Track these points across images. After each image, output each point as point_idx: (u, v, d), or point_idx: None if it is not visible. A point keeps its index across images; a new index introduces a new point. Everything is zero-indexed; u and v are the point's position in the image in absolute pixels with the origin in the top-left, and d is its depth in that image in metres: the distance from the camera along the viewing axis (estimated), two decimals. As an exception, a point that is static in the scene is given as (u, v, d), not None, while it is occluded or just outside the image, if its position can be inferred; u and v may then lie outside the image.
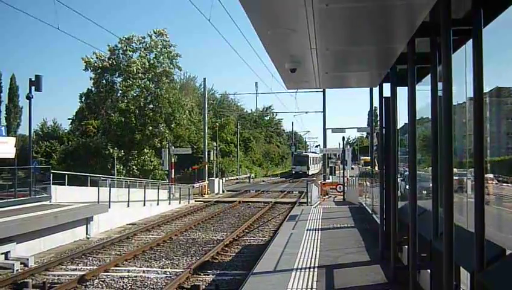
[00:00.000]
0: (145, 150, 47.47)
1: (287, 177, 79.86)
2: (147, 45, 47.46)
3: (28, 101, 26.66)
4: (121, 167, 44.98)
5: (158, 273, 14.75)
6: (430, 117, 7.38)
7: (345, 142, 39.12)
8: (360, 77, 12.09)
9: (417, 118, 8.22)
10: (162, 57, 47.61)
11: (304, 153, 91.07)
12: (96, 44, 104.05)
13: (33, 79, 25.97)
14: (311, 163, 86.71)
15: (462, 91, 6.18)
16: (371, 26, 7.18)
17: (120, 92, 47.02)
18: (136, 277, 14.28)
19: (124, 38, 46.50)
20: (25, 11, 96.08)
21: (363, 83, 13.75)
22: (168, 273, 14.77)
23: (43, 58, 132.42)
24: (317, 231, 17.17)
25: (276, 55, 8.94)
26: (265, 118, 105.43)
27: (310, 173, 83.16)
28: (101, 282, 13.78)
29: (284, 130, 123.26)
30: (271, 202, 36.13)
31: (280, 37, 7.39)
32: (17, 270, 15.37)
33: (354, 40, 8.01)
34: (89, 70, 46.97)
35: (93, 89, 48.50)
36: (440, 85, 6.69)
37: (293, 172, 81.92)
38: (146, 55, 47.55)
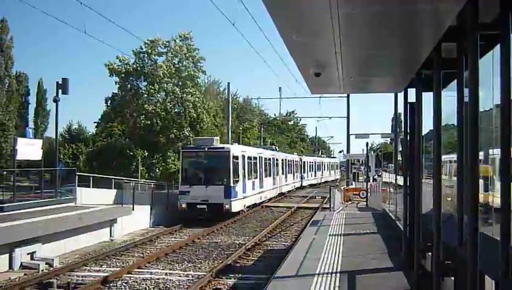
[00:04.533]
0: (168, 153, 47.74)
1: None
2: (172, 49, 47.73)
3: (55, 104, 27.05)
4: (145, 170, 45.30)
5: (180, 276, 14.85)
6: (455, 123, 7.30)
7: (368, 148, 38.90)
8: (384, 82, 12.02)
9: (442, 124, 8.13)
10: (186, 61, 47.87)
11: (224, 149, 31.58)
12: (121, 46, 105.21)
13: (60, 82, 26.35)
14: (311, 169, 67.97)
15: (489, 97, 6.09)
16: (397, 30, 7.14)
17: (145, 95, 47.34)
18: (158, 279, 14.40)
19: (148, 41, 46.85)
20: (52, 14, 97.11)
21: (387, 88, 13.67)
22: (190, 276, 14.87)
23: (69, 61, 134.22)
24: (339, 237, 17.07)
25: (301, 60, 8.93)
26: (289, 123, 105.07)
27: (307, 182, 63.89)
28: (124, 284, 13.92)
29: (307, 136, 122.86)
30: (293, 207, 36.05)
31: (305, 41, 7.39)
32: (43, 270, 15.63)
33: (379, 44, 7.96)
34: (114, 75, 47.38)
35: (118, 92, 48.91)
36: (466, 91, 6.61)
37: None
38: (171, 59, 47.82)
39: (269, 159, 40.96)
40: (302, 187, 59.69)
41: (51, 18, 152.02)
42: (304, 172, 62.15)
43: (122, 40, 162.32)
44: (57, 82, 26.42)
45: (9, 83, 58.66)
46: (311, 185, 64.86)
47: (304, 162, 62.81)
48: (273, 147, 52.41)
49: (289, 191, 51.19)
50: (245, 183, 30.97)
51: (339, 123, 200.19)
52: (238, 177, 29.48)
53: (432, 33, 7.13)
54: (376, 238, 16.93)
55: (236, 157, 29.50)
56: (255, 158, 35.36)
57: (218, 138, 32.21)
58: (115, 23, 73.55)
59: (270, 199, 40.48)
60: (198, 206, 27.62)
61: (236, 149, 31.07)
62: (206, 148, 29.26)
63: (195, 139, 34.89)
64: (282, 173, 47.16)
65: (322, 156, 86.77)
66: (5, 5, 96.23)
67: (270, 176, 40.65)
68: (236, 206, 29.06)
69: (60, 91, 26.38)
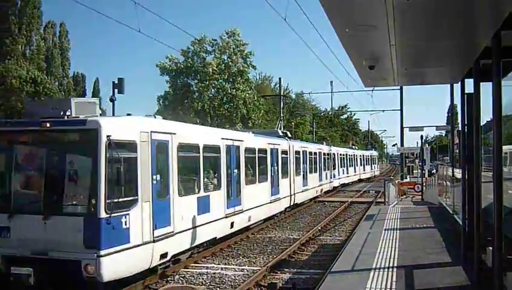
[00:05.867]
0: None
1: None
2: (220, 47, 48.13)
3: (111, 103, 27.77)
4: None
5: (236, 271, 14.96)
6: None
7: (423, 141, 38.10)
8: (440, 73, 11.78)
9: (502, 114, 7.90)
10: (235, 57, 48.15)
11: None
12: (171, 42, 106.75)
13: (116, 82, 27.03)
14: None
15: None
16: (454, 19, 6.97)
17: (196, 93, 47.93)
18: (214, 273, 14.57)
19: (196, 40, 47.40)
20: (108, 15, 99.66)
21: (443, 79, 13.39)
22: (245, 270, 14.95)
23: (123, 60, 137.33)
24: (395, 231, 16.85)
25: (355, 53, 8.87)
26: (342, 117, 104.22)
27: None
28: (181, 278, 14.17)
29: (360, 130, 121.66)
30: (347, 201, 35.74)
31: (359, 34, 7.32)
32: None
33: (435, 34, 7.81)
34: (165, 74, 48.39)
35: (170, 91, 49.78)
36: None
37: None
38: (220, 56, 48.24)
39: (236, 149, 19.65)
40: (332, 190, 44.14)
41: (106, 18, 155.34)
42: (335, 168, 45.39)
43: (173, 37, 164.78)
44: (113, 82, 27.10)
45: (67, 84, 60.60)
46: (343, 185, 50.13)
47: (334, 155, 46.01)
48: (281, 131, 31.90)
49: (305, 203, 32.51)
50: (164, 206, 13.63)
51: (392, 116, 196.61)
52: (134, 194, 12.15)
53: (490, 21, 6.95)
54: (433, 233, 16.62)
55: (121, 145, 11.87)
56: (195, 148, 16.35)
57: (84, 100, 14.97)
58: (168, 21, 74.52)
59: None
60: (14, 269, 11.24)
61: (116, 124, 12.58)
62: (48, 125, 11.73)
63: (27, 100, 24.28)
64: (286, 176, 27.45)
65: (354, 147, 69.23)
66: (63, 6, 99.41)
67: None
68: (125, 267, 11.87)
69: (115, 91, 27.04)
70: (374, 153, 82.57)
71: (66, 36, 61.80)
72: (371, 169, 74.28)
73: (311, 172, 33.98)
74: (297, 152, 30.10)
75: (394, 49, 8.23)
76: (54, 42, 58.99)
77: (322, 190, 38.04)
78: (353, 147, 69.27)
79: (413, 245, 14.31)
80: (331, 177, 42.32)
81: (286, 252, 17.05)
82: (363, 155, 68.11)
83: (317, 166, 36.69)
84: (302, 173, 31.20)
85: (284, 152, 27.15)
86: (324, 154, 39.89)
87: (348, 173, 53.55)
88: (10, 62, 46.13)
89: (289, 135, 31.57)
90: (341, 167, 49.06)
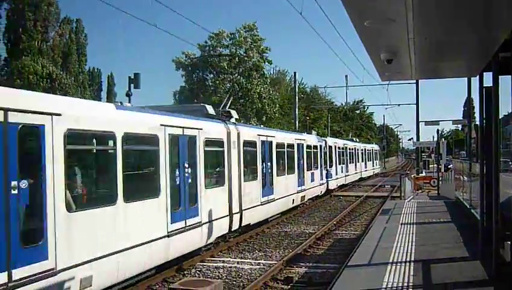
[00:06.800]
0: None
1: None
2: (236, 41, 48.18)
3: (127, 98, 27.88)
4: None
5: (252, 265, 15.02)
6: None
7: (439, 136, 37.83)
8: (458, 66, 11.71)
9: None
10: (251, 52, 48.18)
11: None
12: (187, 36, 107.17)
13: (132, 77, 27.16)
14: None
15: None
16: (474, 12, 6.92)
17: (212, 87, 48.07)
18: (230, 267, 14.65)
19: (213, 34, 47.50)
20: (124, 10, 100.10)
21: (461, 72, 13.30)
22: (261, 264, 15.01)
23: (139, 55, 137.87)
24: (411, 225, 16.77)
25: (373, 47, 8.83)
26: (356, 111, 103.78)
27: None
28: (197, 272, 14.26)
29: (375, 124, 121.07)
30: (362, 195, 35.68)
31: (377, 27, 7.29)
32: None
33: (454, 28, 7.75)
34: (180, 69, 48.67)
35: (185, 86, 50.00)
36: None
37: None
38: (236, 50, 48.31)
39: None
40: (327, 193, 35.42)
41: (123, 14, 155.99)
42: (332, 166, 37.30)
43: (189, 31, 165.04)
44: (129, 77, 27.22)
45: (82, 80, 60.98)
46: (341, 187, 41.35)
47: (331, 149, 37.90)
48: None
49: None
50: None
51: (408, 111, 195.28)
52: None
53: (510, 13, 6.88)
54: (450, 227, 16.52)
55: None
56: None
57: None
58: (183, 16, 74.57)
59: None
60: None
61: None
62: None
63: None
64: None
65: (354, 139, 58.31)
66: (80, 2, 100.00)
67: None
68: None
69: (131, 86, 27.18)
70: (375, 146, 70.77)
71: (83, 32, 62.25)
72: (373, 166, 63.92)
73: (282, 172, 24.02)
74: (248, 143, 19.78)
75: (413, 43, 8.18)
76: (71, 38, 59.35)
77: (304, 197, 27.84)
78: (353, 139, 57.41)
79: (430, 240, 14.24)
80: (324, 178, 33.94)
81: (302, 246, 17.08)
82: (365, 149, 57.89)
83: (296, 163, 26.69)
84: (262, 174, 21.04)
85: (212, 143, 16.55)
86: (310, 147, 30.39)
87: (347, 172, 43.88)
88: (27, 58, 46.56)
89: (235, 116, 19.98)
90: (340, 163, 40.44)
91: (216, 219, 16.09)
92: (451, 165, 32.06)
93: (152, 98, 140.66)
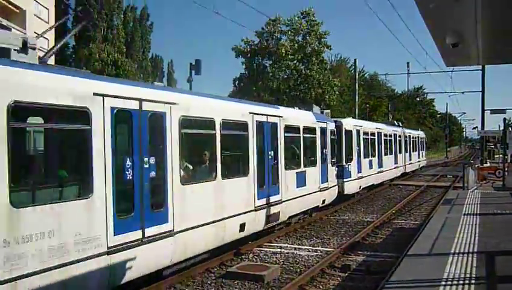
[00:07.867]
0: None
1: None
2: (294, 27, 47.99)
3: (188, 84, 28.33)
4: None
5: (309, 251, 14.99)
6: None
7: (506, 125, 36.49)
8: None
9: None
10: (309, 37, 47.84)
11: None
12: (246, 23, 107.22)
13: (193, 63, 27.55)
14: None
15: None
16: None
17: (270, 74, 48.09)
18: (288, 253, 14.67)
19: (270, 21, 47.44)
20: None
21: (531, 58, 12.70)
22: (318, 251, 14.96)
23: (199, 42, 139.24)
24: (474, 216, 16.30)
25: (438, 30, 8.55)
26: (417, 98, 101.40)
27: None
28: (255, 256, 14.36)
29: (437, 112, 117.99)
30: (423, 185, 34.91)
31: (443, 10, 7.05)
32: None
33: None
34: (240, 57, 49.08)
35: (245, 73, 50.34)
36: None
37: None
38: (294, 37, 48.11)
39: None
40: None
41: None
42: (351, 159, 25.99)
43: (249, 18, 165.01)
44: (190, 63, 27.63)
45: (145, 67, 62.34)
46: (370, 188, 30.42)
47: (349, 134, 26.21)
48: None
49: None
50: None
51: (473, 99, 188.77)
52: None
53: None
54: (516, 219, 15.98)
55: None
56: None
57: None
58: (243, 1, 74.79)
59: None
60: None
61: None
62: None
63: None
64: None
65: (396, 123, 43.84)
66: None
67: None
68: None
69: (192, 72, 27.56)
70: (421, 133, 54.41)
71: (148, 19, 63.63)
72: (419, 157, 50.47)
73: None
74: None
75: (480, 26, 7.87)
76: (135, 26, 60.75)
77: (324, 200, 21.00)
78: (395, 123, 43.41)
79: (494, 231, 13.79)
80: (328, 179, 21.16)
81: (360, 235, 16.90)
82: (409, 136, 44.98)
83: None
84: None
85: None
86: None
87: (381, 166, 32.81)
88: (93, 46, 48.07)
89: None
90: (366, 156, 29.10)
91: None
92: None
93: (211, 84, 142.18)
